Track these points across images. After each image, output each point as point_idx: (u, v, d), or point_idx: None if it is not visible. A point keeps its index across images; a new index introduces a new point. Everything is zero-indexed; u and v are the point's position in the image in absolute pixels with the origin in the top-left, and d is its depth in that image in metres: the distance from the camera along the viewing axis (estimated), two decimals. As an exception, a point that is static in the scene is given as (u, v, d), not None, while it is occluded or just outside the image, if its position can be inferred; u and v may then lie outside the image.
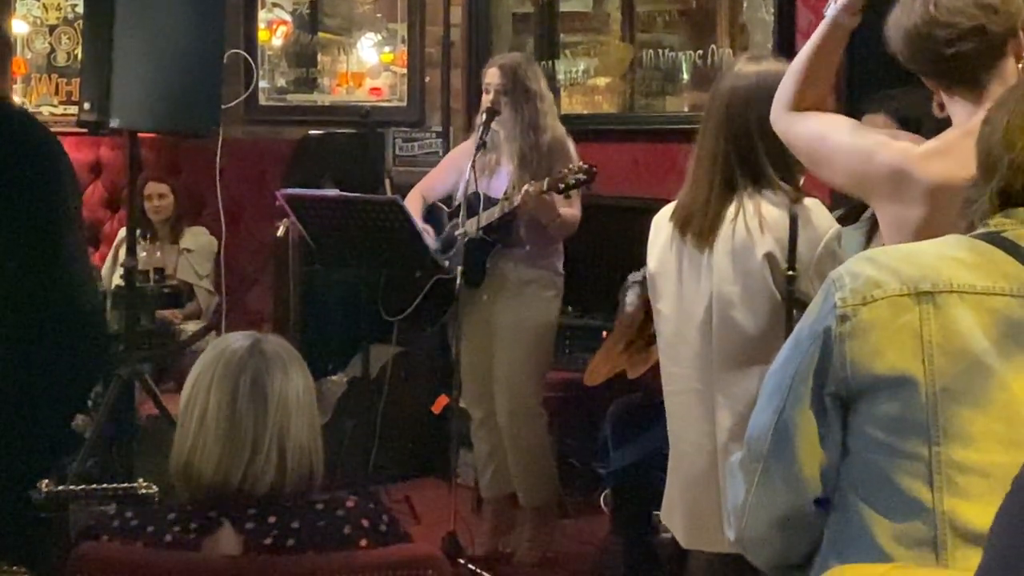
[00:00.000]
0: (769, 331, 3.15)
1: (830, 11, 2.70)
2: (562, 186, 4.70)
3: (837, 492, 1.93)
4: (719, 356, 3.24)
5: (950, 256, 1.91)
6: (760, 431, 1.99)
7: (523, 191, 4.73)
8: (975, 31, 2.43)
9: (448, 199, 5.23)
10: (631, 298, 4.72)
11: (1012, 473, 1.53)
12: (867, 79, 4.97)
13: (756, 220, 3.17)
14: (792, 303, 3.08)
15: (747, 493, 2.01)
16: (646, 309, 4.16)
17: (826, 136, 2.69)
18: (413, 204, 5.19)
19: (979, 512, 1.76)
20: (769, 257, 3.15)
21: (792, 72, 2.79)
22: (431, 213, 5.26)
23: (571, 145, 5.03)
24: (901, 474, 1.84)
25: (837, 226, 3.21)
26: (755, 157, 3.18)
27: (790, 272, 3.10)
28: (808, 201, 3.19)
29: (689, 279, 3.28)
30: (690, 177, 3.30)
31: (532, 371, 5.10)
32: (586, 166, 4.71)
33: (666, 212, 3.41)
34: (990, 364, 1.82)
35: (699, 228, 3.23)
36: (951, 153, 2.44)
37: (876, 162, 2.55)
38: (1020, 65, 2.48)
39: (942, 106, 2.57)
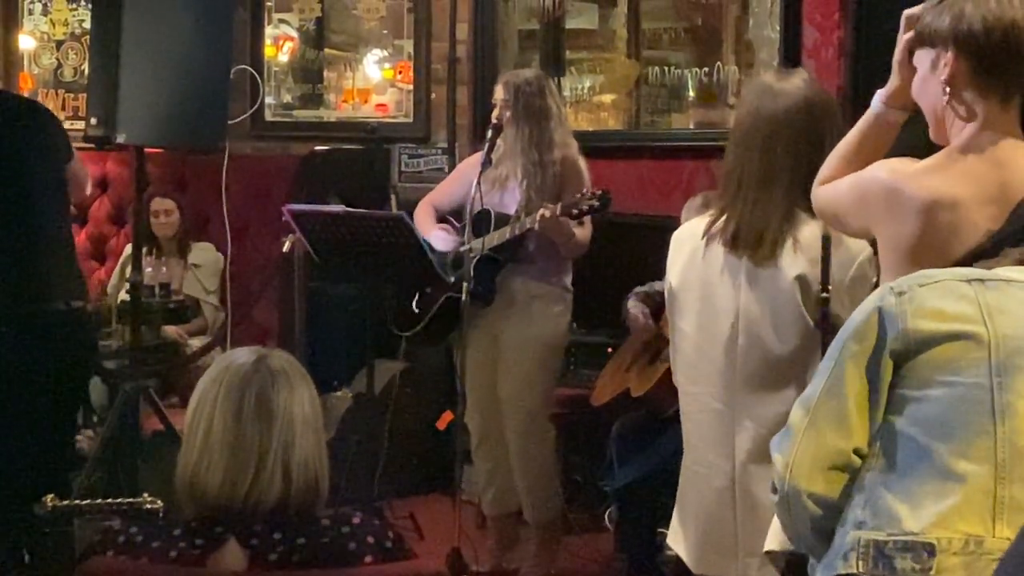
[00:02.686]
0: (796, 353, 3.12)
1: (874, 102, 2.66)
2: (575, 211, 4.67)
3: (883, 435, 2.02)
4: (743, 376, 3.20)
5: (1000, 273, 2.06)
6: (810, 393, 2.09)
7: (539, 215, 4.70)
8: None
9: (458, 212, 5.22)
10: (632, 302, 4.74)
11: None
12: (871, 90, 4.99)
13: (790, 240, 3.15)
14: (825, 325, 3.04)
15: (793, 446, 2.08)
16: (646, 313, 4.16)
17: (838, 184, 2.69)
18: (425, 214, 5.18)
19: None
20: (800, 279, 3.11)
21: (835, 156, 2.75)
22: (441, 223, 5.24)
23: (583, 164, 5.00)
24: (963, 405, 1.95)
25: (869, 248, 3.11)
26: (810, 178, 3.16)
27: (824, 294, 3.07)
28: None
29: (715, 296, 3.23)
30: (744, 194, 3.21)
31: (541, 386, 5.09)
32: (600, 192, 4.68)
33: (687, 228, 3.37)
34: None
35: (770, 249, 3.15)
36: (945, 171, 2.43)
37: (872, 181, 2.54)
38: None
39: (954, 92, 2.47)
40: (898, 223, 2.45)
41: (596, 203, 4.66)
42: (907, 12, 2.57)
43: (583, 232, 4.91)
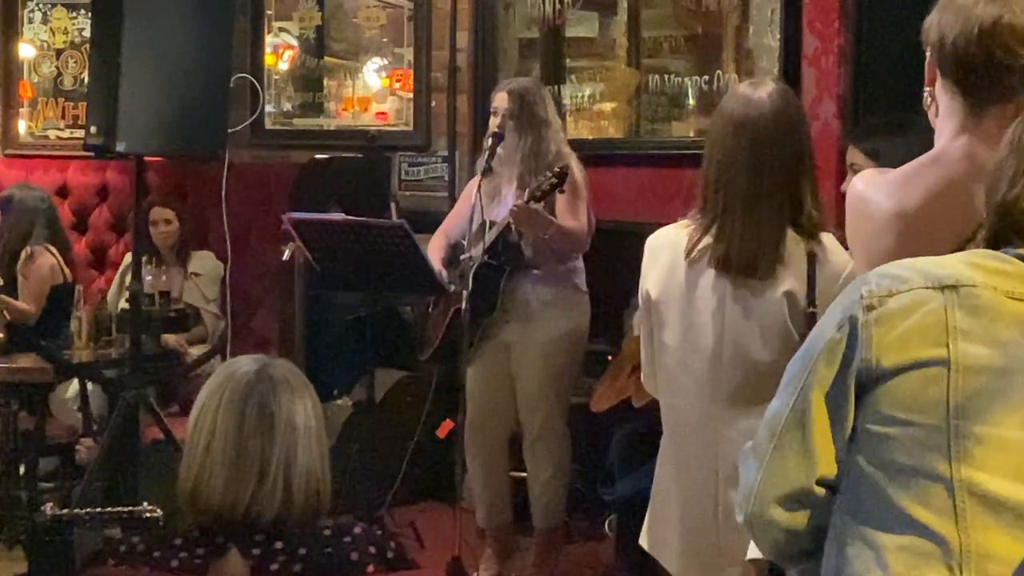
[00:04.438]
0: (782, 367, 3.11)
1: None
2: (538, 193, 4.69)
3: (850, 471, 1.96)
4: (727, 390, 3.20)
5: (976, 263, 1.94)
6: (776, 412, 2.03)
7: (510, 209, 4.72)
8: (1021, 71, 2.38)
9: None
10: (637, 319, 4.72)
11: None
12: (871, 98, 4.99)
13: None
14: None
15: (757, 471, 2.04)
16: None
17: None
18: (437, 245, 5.18)
19: (996, 482, 1.82)
20: (788, 295, 3.12)
21: None
22: (455, 251, 5.21)
23: (580, 174, 4.99)
24: (919, 449, 1.87)
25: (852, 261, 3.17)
26: (801, 197, 3.17)
27: (811, 309, 3.07)
28: (824, 236, 3.17)
29: (699, 311, 3.22)
30: (731, 215, 3.17)
31: (559, 391, 5.08)
32: (557, 169, 4.70)
33: (664, 236, 3.35)
34: (1016, 354, 1.86)
35: (765, 271, 3.14)
36: (916, 178, 2.44)
37: (849, 194, 2.55)
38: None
39: (932, 100, 2.50)
40: (869, 230, 2.47)
41: (554, 180, 4.68)
42: None
43: (574, 223, 4.90)
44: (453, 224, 5.31)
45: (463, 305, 4.69)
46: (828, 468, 1.97)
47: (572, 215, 4.88)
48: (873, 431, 1.92)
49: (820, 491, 1.99)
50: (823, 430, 1.96)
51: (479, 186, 4.81)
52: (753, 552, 3.03)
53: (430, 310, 5.28)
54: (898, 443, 1.90)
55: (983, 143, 2.38)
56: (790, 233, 3.14)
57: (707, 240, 3.20)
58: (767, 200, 3.14)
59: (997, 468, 1.84)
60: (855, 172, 3.74)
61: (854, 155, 3.82)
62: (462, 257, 4.86)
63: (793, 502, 2.02)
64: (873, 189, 2.48)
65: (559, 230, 4.84)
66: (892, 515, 1.89)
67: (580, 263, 5.08)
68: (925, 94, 2.51)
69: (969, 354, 1.87)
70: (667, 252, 3.31)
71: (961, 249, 2.05)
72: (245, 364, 2.33)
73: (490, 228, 4.90)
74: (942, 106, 2.47)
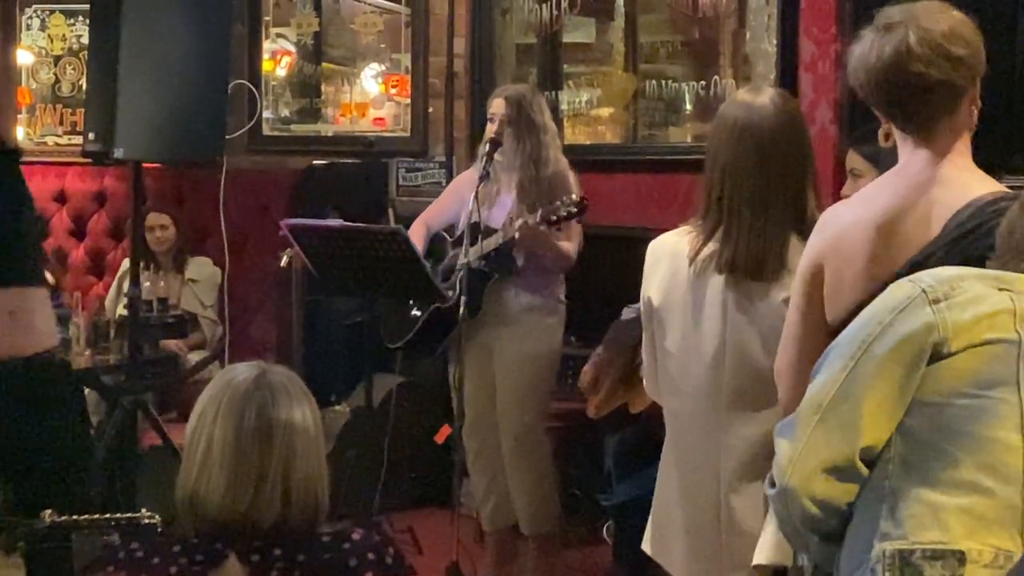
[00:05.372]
0: None
1: None
2: (554, 218, 4.70)
3: (902, 439, 2.02)
4: (730, 396, 3.20)
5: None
6: (822, 386, 2.09)
7: (519, 224, 4.73)
8: (942, 84, 2.48)
9: (451, 228, 5.24)
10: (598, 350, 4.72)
11: None
12: (868, 104, 5.00)
13: None
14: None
15: (800, 441, 2.08)
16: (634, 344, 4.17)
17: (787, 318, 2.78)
18: (417, 234, 5.18)
19: None
20: (788, 301, 3.12)
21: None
22: (434, 242, 5.26)
23: (573, 178, 5.01)
24: (990, 418, 1.95)
25: None
26: (805, 201, 3.17)
27: None
28: None
29: (701, 317, 3.22)
30: (738, 220, 3.18)
31: (536, 398, 5.09)
32: (577, 198, 4.71)
33: (665, 242, 3.36)
34: None
35: (772, 276, 3.14)
36: (880, 191, 2.55)
37: (821, 222, 2.66)
38: (974, 109, 2.56)
39: (888, 136, 2.64)
40: (838, 245, 2.55)
41: (573, 208, 4.69)
42: None
43: (569, 245, 4.93)
44: (434, 215, 5.33)
45: (461, 311, 4.69)
46: (875, 439, 2.02)
47: (567, 235, 4.92)
48: (934, 401, 1.98)
49: (862, 466, 2.04)
50: (877, 405, 2.02)
51: (476, 191, 4.80)
52: (759, 558, 3.04)
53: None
54: (966, 410, 1.96)
55: (941, 155, 2.51)
56: (794, 239, 3.14)
57: (711, 246, 3.21)
58: (773, 204, 3.15)
59: None
60: (855, 177, 3.76)
61: (854, 160, 3.83)
62: (459, 263, 4.86)
63: (835, 473, 2.05)
64: (836, 209, 2.63)
65: (557, 250, 4.88)
66: (956, 479, 1.94)
67: (560, 275, 5.10)
68: (880, 135, 2.66)
69: None
70: (669, 258, 3.31)
71: (926, 252, 2.28)
72: (243, 371, 2.33)
73: (484, 232, 4.89)
74: (896, 135, 2.59)
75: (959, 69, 2.47)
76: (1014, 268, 2.07)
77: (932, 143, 2.52)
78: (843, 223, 2.58)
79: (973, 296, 2.00)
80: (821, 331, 2.58)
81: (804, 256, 2.70)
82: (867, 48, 2.53)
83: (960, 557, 1.90)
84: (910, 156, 2.55)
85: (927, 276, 2.07)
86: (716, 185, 3.21)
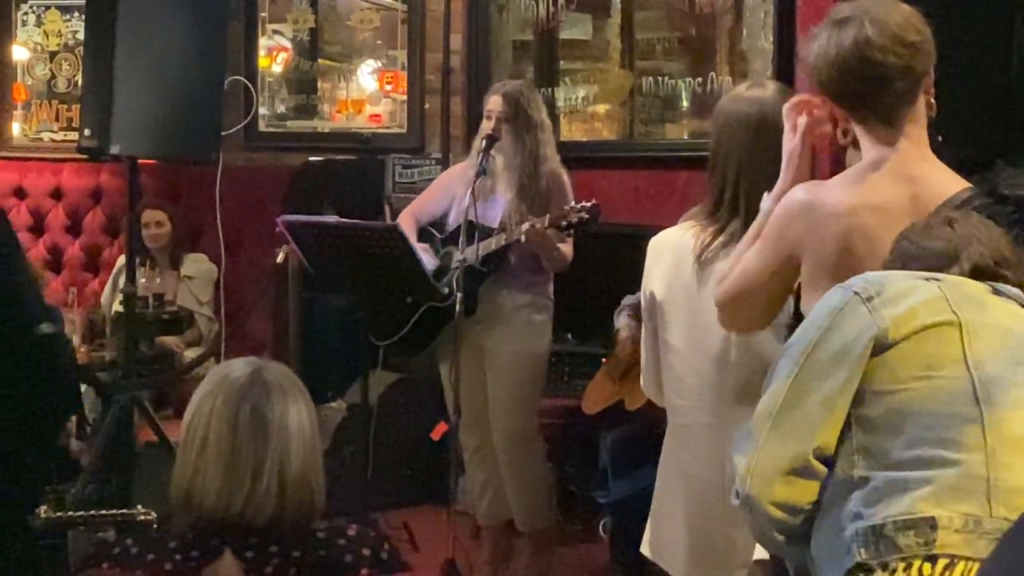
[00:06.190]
0: None
1: (766, 204, 2.84)
2: (564, 223, 4.67)
3: (859, 430, 2.08)
4: (736, 390, 3.19)
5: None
6: (772, 395, 2.18)
7: (527, 227, 4.71)
8: (904, 71, 2.54)
9: (437, 222, 5.21)
10: (624, 320, 4.71)
11: None
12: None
13: None
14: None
15: (754, 450, 2.16)
16: (636, 338, 4.16)
17: (742, 259, 2.82)
18: (406, 226, 5.16)
19: (1018, 422, 1.99)
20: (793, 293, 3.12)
21: (734, 255, 2.90)
22: (422, 236, 5.23)
23: (566, 178, 5.01)
24: (944, 396, 2.02)
25: None
26: None
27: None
28: None
29: (706, 311, 3.18)
30: (748, 217, 3.14)
31: (527, 395, 5.08)
32: (589, 205, 4.68)
33: (667, 237, 3.36)
34: (1004, 322, 2.09)
35: None
36: (859, 183, 2.57)
37: (790, 203, 2.66)
38: (928, 99, 2.62)
39: (846, 132, 2.69)
40: (820, 235, 2.56)
41: (585, 215, 4.66)
42: (787, 106, 2.82)
43: (565, 247, 4.92)
44: (422, 208, 5.30)
45: (457, 308, 4.69)
46: (826, 439, 2.10)
47: (563, 237, 4.90)
48: (889, 389, 2.06)
49: (816, 464, 2.11)
50: (825, 405, 2.09)
51: (473, 188, 4.79)
52: (760, 553, 3.03)
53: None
54: (921, 394, 2.03)
55: (908, 149, 2.57)
56: None
57: (722, 239, 3.20)
58: None
59: (1017, 409, 1.99)
60: None
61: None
62: (454, 261, 4.86)
63: (794, 475, 2.12)
64: (822, 192, 2.62)
65: (559, 253, 4.88)
66: (920, 457, 2.00)
67: (550, 272, 5.09)
68: (838, 133, 2.70)
69: (971, 311, 2.07)
70: (671, 253, 3.31)
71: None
72: (239, 368, 2.33)
73: (480, 232, 4.86)
74: (858, 133, 2.63)
75: (916, 55, 2.54)
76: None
77: (896, 135, 2.57)
78: (823, 215, 2.58)
79: (902, 289, 2.09)
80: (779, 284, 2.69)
81: (780, 233, 2.69)
82: (825, 43, 2.58)
83: (932, 523, 1.95)
84: (879, 151, 2.59)
85: (856, 280, 2.17)
86: (730, 183, 3.20)
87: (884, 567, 1.96)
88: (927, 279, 2.12)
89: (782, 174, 2.81)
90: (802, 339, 2.17)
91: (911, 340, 2.06)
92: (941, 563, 1.93)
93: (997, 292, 2.13)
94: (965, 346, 2.04)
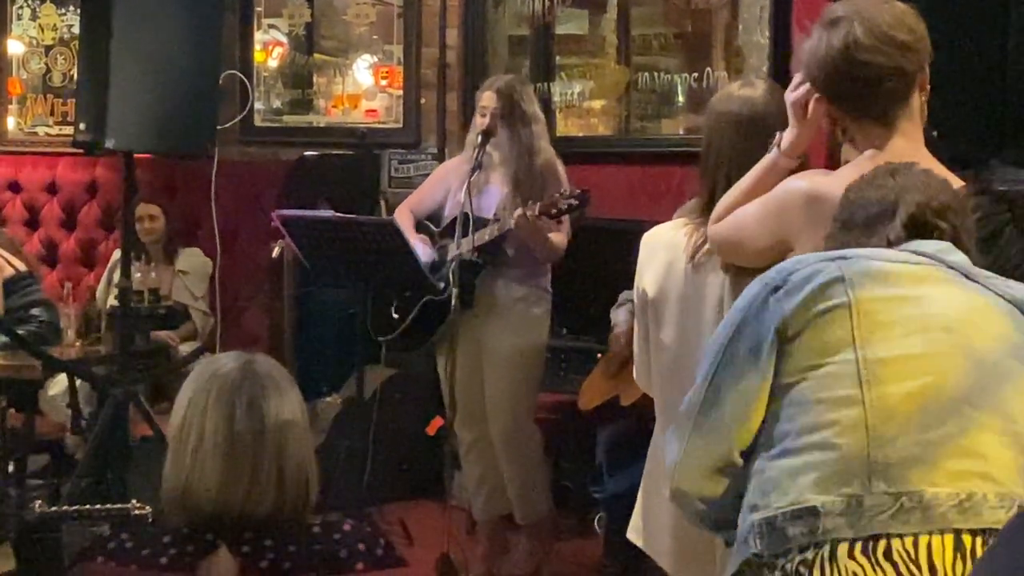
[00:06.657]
0: None
1: (771, 155, 2.84)
2: (554, 211, 4.68)
3: (767, 421, 2.15)
4: None
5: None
6: (695, 393, 2.24)
7: (517, 215, 4.71)
8: (894, 71, 2.56)
9: (434, 216, 5.21)
10: (622, 316, 4.71)
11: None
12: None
13: None
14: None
15: (680, 448, 2.23)
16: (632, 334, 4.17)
17: (743, 211, 2.85)
18: (403, 220, 5.17)
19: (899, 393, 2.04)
20: None
21: (731, 195, 2.93)
22: (419, 230, 5.23)
23: (561, 168, 5.02)
24: (831, 380, 2.07)
25: None
26: None
27: None
28: None
29: (698, 309, 3.20)
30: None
31: (525, 389, 5.09)
32: (578, 191, 4.69)
33: (660, 234, 3.35)
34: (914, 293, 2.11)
35: None
36: (858, 171, 2.53)
37: (791, 191, 2.69)
38: (923, 97, 2.63)
39: (845, 131, 2.71)
40: (820, 227, 2.53)
41: (574, 202, 4.67)
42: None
43: (559, 237, 4.91)
44: (419, 202, 5.31)
45: (453, 303, 4.69)
46: (745, 437, 2.17)
47: (558, 227, 4.90)
48: (790, 382, 2.11)
49: (738, 461, 2.18)
50: (739, 403, 2.16)
51: (468, 183, 4.79)
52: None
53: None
54: (814, 382, 2.08)
55: (902, 137, 2.59)
56: None
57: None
58: None
59: (901, 381, 2.04)
60: None
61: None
62: (451, 253, 4.86)
63: (717, 472, 2.20)
64: (824, 184, 2.62)
65: (549, 243, 4.87)
66: (807, 443, 2.06)
67: (547, 265, 5.09)
68: (839, 136, 2.73)
69: (866, 289, 2.09)
70: (664, 250, 3.30)
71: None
72: (228, 361, 2.32)
73: (474, 222, 4.87)
74: (854, 131, 2.66)
75: (907, 55, 2.55)
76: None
77: (890, 133, 2.59)
78: (826, 208, 2.56)
79: (807, 274, 2.12)
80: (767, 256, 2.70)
81: (779, 216, 2.71)
82: (816, 43, 2.61)
83: (814, 511, 2.01)
84: (874, 149, 2.60)
85: (771, 270, 2.20)
86: (721, 182, 3.20)
87: (775, 557, 2.04)
88: (832, 259, 2.14)
89: (791, 124, 2.80)
90: (720, 336, 2.22)
91: (809, 329, 2.09)
92: (826, 549, 2.00)
93: (919, 254, 2.14)
94: (854, 327, 2.07)
